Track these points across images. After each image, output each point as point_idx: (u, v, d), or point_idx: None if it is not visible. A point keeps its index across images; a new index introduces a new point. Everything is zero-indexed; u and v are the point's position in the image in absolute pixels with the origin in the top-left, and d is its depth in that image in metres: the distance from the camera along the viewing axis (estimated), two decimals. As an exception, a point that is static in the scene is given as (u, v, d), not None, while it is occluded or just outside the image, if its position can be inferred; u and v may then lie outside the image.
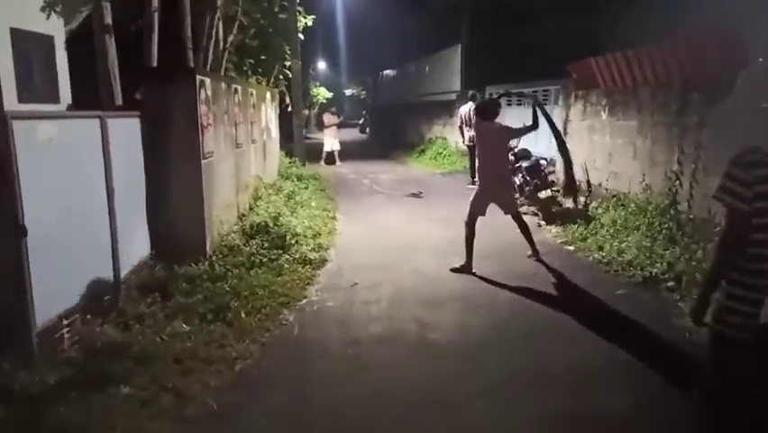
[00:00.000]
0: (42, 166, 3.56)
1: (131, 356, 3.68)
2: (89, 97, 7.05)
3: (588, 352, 3.98)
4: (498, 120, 6.02)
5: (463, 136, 12.10)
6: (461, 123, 12.04)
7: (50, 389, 3.19)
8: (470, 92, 12.73)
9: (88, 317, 3.95)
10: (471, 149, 11.76)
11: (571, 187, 7.55)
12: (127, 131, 5.02)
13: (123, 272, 4.61)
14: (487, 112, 6.04)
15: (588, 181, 8.43)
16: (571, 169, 6.69)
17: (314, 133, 33.86)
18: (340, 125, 17.01)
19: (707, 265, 4.95)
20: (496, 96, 6.97)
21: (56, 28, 8.81)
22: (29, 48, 8.36)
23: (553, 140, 7.31)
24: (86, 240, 4.10)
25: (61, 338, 3.68)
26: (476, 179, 11.47)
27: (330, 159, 16.21)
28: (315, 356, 4.01)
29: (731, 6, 6.36)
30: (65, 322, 3.74)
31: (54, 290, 3.65)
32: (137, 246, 5.01)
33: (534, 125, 6.01)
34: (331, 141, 16.30)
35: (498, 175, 5.97)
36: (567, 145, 6.82)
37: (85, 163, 4.14)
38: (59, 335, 3.67)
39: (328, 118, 16.74)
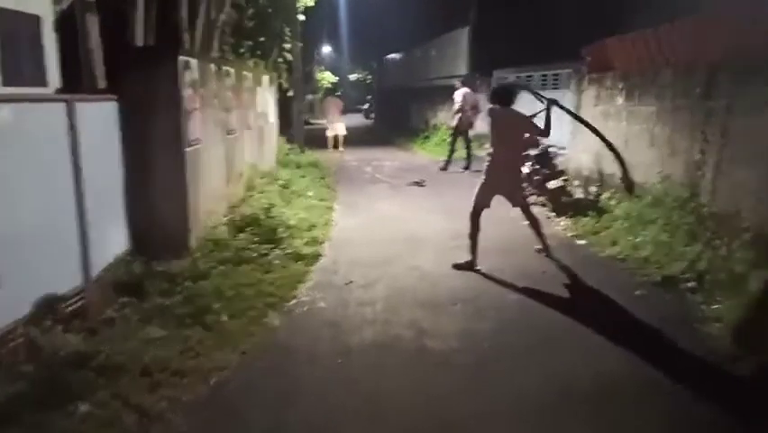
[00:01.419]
0: (-6, 156, 3.17)
1: (94, 367, 3.32)
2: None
3: (606, 366, 3.56)
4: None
5: (460, 120, 11.75)
6: (462, 107, 11.68)
7: (-2, 408, 2.83)
8: (462, 78, 12.36)
9: (50, 323, 3.58)
10: (456, 133, 11.83)
11: (629, 185, 6.96)
12: (103, 116, 4.62)
13: (96, 271, 4.22)
14: (502, 97, 5.58)
15: (599, 171, 7.96)
16: (625, 166, 6.05)
17: (320, 119, 33.49)
18: (343, 111, 16.62)
19: (732, 264, 4.58)
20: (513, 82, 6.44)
21: (44, 8, 8.41)
22: (14, 29, 7.96)
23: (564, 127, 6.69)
24: (51, 236, 3.72)
25: (17, 348, 3.31)
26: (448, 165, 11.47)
27: (335, 144, 15.84)
28: (301, 367, 3.62)
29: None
30: (21, 330, 3.37)
31: (10, 294, 3.27)
32: (113, 241, 4.63)
33: (546, 132, 5.49)
34: (335, 126, 15.92)
35: (508, 166, 5.50)
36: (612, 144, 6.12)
37: (49, 152, 3.75)
38: (15, 345, 3.30)
39: (333, 103, 16.33)
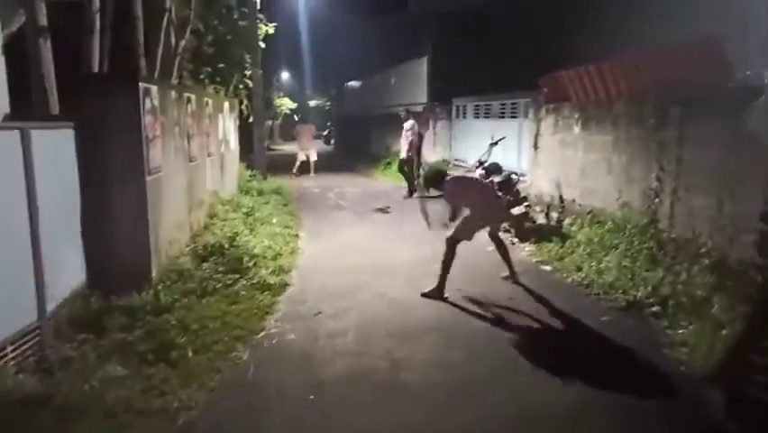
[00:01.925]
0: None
1: (51, 410, 3.11)
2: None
3: (578, 394, 3.56)
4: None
5: (410, 148, 12.07)
6: (412, 138, 12.04)
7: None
8: (402, 112, 12.88)
9: (2, 363, 3.35)
10: (403, 161, 12.20)
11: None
12: (59, 144, 4.44)
13: (51, 306, 3.99)
14: (438, 181, 5.70)
15: (560, 197, 8.15)
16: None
17: (278, 145, 33.27)
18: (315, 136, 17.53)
19: (693, 289, 4.72)
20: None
21: (-8, 31, 8.09)
22: (-40, 52, 7.61)
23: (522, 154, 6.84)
24: (2, 270, 3.50)
25: (-36, 392, 3.08)
26: (416, 190, 11.69)
27: (304, 169, 16.27)
28: (271, 403, 3.49)
29: (707, 19, 6.15)
30: (-29, 371, 3.15)
31: (-44, 335, 3.06)
32: (69, 275, 4.40)
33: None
34: (309, 152, 16.48)
35: (498, 209, 5.72)
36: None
37: (1, 181, 3.55)
38: (-38, 388, 3.07)
39: (306, 129, 16.98)
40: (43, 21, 5.30)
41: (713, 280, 4.62)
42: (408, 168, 12.23)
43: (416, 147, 12.21)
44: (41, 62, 5.34)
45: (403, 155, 12.24)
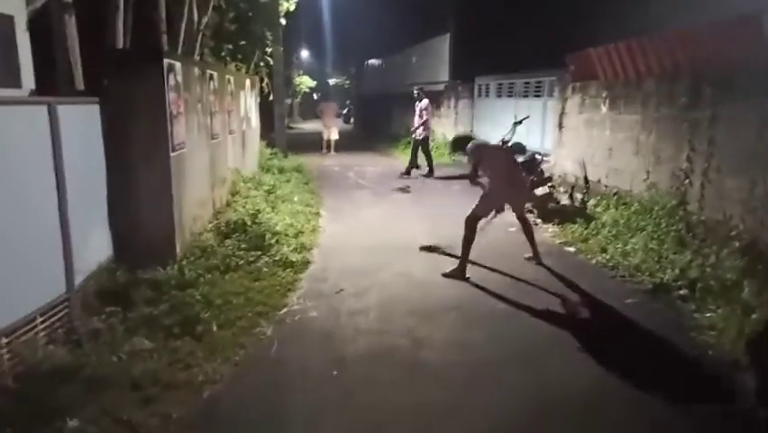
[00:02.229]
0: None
1: (81, 381, 3.17)
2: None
3: (601, 378, 3.51)
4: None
5: (426, 129, 11.92)
6: (428, 115, 11.92)
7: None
8: (416, 90, 12.58)
9: (33, 334, 3.42)
10: (418, 141, 11.93)
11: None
12: (85, 119, 4.47)
13: (79, 279, 4.06)
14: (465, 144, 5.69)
15: (585, 177, 8.02)
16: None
17: (297, 123, 33.22)
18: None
19: (722, 272, 4.62)
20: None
21: (17, 7, 8.13)
22: (-14, 28, 7.68)
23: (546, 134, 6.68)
24: (31, 244, 3.55)
25: (-2, 361, 3.15)
26: (417, 169, 11.57)
27: (328, 146, 16.54)
28: (294, 379, 3.52)
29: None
30: (4, 341, 3.21)
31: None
32: (96, 249, 4.46)
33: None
34: (330, 130, 16.73)
35: (516, 185, 5.60)
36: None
37: (29, 157, 3.59)
38: (-4, 357, 3.14)
39: (329, 107, 17.14)
40: (68, -5, 5.30)
41: (743, 264, 4.52)
42: (426, 147, 12.05)
43: (428, 128, 12.05)
44: (65, 38, 5.36)
45: (421, 134, 11.94)
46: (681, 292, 4.67)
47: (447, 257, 5.65)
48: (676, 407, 3.19)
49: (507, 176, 5.47)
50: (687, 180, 5.79)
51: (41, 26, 7.99)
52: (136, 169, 4.84)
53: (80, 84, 5.41)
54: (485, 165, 5.47)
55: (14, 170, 3.40)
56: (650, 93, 6.78)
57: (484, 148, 5.73)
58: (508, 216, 5.79)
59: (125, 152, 4.78)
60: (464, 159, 5.83)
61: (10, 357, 3.22)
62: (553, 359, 3.77)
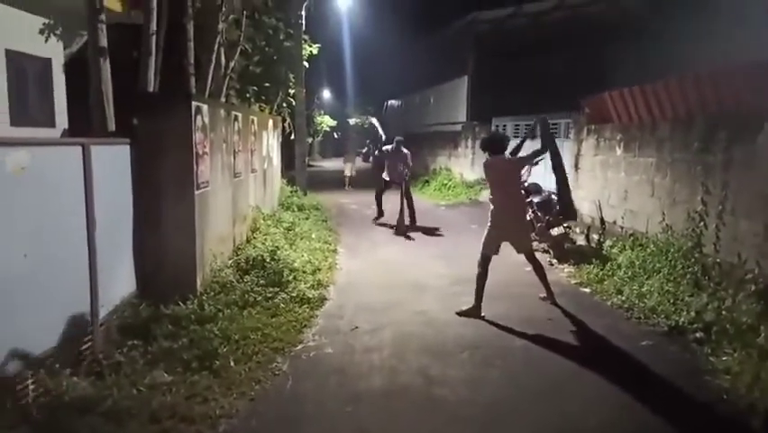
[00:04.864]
0: (12, 199, 3.21)
1: (102, 413, 3.27)
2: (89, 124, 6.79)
3: (617, 420, 3.52)
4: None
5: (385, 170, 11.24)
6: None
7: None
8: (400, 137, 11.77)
9: (58, 366, 3.54)
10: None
11: (569, 210, 6.95)
12: (116, 159, 4.69)
13: (103, 313, 4.20)
14: (495, 145, 5.72)
15: (601, 218, 8.05)
16: (568, 188, 6.16)
17: (317, 161, 33.75)
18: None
19: (738, 316, 4.60)
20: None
21: (55, 51, 8.58)
22: (25, 70, 8.11)
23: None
24: (60, 278, 3.72)
25: (24, 391, 3.26)
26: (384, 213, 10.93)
27: (349, 182, 18.40)
28: (309, 415, 3.57)
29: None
30: (30, 372, 3.34)
31: (18, 335, 3.26)
32: (120, 284, 4.62)
33: (543, 149, 5.79)
34: (349, 167, 18.92)
35: (513, 212, 5.60)
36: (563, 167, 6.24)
37: (63, 195, 3.78)
38: (23, 387, 3.26)
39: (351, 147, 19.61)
40: (104, 42, 5.60)
41: (760, 308, 4.50)
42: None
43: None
44: (100, 81, 5.64)
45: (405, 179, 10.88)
46: (697, 335, 4.64)
47: (462, 296, 5.69)
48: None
49: (505, 194, 5.56)
50: (702, 223, 5.81)
51: (76, 68, 8.43)
52: (162, 206, 5.02)
53: (112, 124, 5.68)
54: (490, 177, 5.70)
55: (49, 206, 3.59)
56: (664, 136, 6.86)
57: (492, 161, 5.68)
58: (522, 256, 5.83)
59: (152, 191, 4.97)
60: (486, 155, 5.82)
61: (35, 387, 3.34)
62: (569, 400, 3.78)
